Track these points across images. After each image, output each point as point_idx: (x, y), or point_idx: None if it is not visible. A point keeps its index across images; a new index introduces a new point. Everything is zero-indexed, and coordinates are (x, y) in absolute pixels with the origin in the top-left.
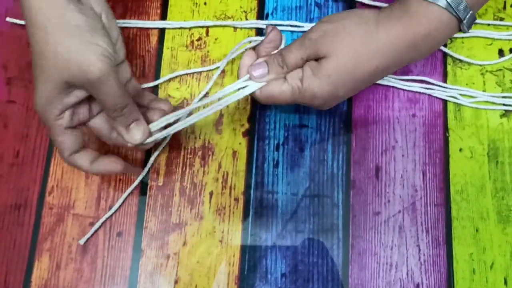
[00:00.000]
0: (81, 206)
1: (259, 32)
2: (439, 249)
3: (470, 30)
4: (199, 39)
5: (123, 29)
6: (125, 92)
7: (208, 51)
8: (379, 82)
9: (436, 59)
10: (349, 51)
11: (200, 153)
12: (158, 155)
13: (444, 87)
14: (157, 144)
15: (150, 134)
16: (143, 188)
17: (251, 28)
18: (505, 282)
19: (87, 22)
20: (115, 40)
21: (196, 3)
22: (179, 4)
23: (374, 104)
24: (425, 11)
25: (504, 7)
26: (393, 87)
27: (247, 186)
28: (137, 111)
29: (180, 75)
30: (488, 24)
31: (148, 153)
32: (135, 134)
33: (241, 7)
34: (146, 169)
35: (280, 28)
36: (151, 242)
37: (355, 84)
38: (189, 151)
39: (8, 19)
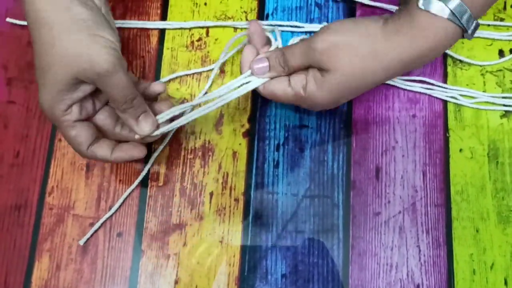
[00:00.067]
0: (81, 207)
1: None
2: (439, 249)
3: None
4: (199, 39)
5: (123, 29)
6: (133, 84)
7: (208, 52)
8: None
9: (436, 60)
10: (354, 68)
11: (200, 153)
12: (158, 156)
13: (444, 87)
14: (157, 144)
15: (158, 126)
16: (143, 188)
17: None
18: (505, 283)
19: (92, 16)
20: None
21: (196, 4)
22: (179, 5)
23: (374, 104)
24: (431, 24)
25: (504, 8)
26: (393, 87)
27: (247, 186)
28: (144, 102)
29: (180, 76)
30: (488, 25)
31: (148, 153)
32: (144, 126)
33: (241, 7)
34: (146, 169)
35: (280, 28)
36: (151, 242)
37: (358, 92)
38: (189, 151)
39: (8, 19)
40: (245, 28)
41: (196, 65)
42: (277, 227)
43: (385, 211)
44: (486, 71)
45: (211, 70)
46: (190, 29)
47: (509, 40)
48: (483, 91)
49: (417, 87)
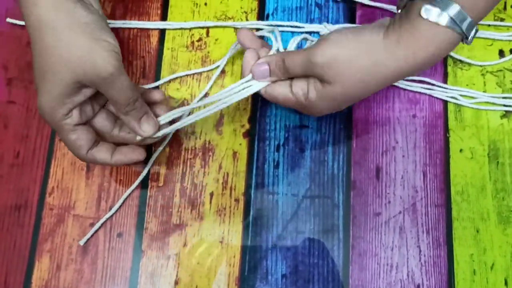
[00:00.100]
0: (81, 207)
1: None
2: (439, 250)
3: None
4: (200, 39)
5: (123, 29)
6: (135, 85)
7: (208, 52)
8: None
9: None
10: (355, 80)
11: (200, 153)
12: (159, 156)
13: (444, 87)
14: (157, 145)
15: (159, 127)
16: (143, 188)
17: (251, 29)
18: (506, 283)
19: (95, 19)
20: None
21: (197, 4)
22: (179, 5)
23: (374, 105)
24: (433, 34)
25: (505, 8)
26: (393, 87)
27: (248, 186)
28: (145, 104)
29: (181, 76)
30: (489, 25)
31: (149, 153)
32: (147, 127)
33: (241, 7)
34: (147, 169)
35: (280, 28)
36: (152, 243)
37: (359, 99)
38: (189, 151)
39: (8, 19)
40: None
41: (196, 65)
42: (277, 228)
43: (386, 211)
44: (487, 71)
45: (211, 70)
46: (190, 29)
47: (510, 40)
48: (484, 91)
49: (417, 87)
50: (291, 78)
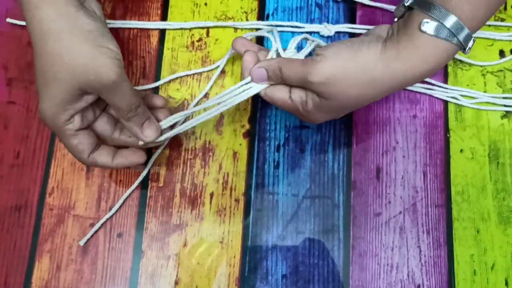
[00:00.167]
0: (81, 207)
1: (260, 37)
2: (440, 250)
3: None
4: (200, 40)
5: (123, 30)
6: (136, 91)
7: (208, 52)
8: None
9: None
10: (351, 97)
11: (200, 154)
12: (159, 156)
13: (445, 87)
14: (157, 146)
15: (161, 132)
16: (143, 189)
17: (251, 29)
18: (506, 283)
19: (97, 27)
20: None
21: (197, 4)
22: (179, 5)
23: (374, 105)
24: (433, 48)
25: (505, 8)
26: None
27: (248, 187)
28: (147, 109)
29: (181, 76)
30: (489, 25)
31: (149, 154)
32: (149, 132)
33: (241, 7)
34: (147, 170)
35: (280, 29)
36: (152, 243)
37: (357, 108)
38: (189, 152)
39: (8, 19)
40: (245, 29)
41: (197, 65)
42: (277, 228)
43: (386, 211)
44: (487, 72)
45: (211, 70)
46: (190, 29)
47: (510, 41)
48: (484, 92)
49: (417, 87)
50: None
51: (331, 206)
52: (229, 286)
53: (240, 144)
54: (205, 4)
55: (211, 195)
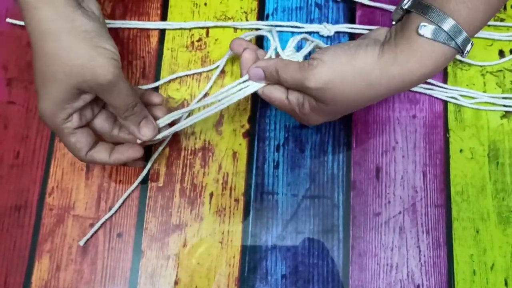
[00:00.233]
0: (81, 207)
1: (259, 37)
2: (439, 250)
3: None
4: (199, 40)
5: (123, 30)
6: (134, 91)
7: (208, 52)
8: None
9: None
10: (349, 101)
11: (200, 154)
12: (158, 156)
13: (444, 87)
14: (157, 145)
15: (159, 130)
16: (143, 189)
17: (251, 29)
18: (506, 283)
19: (95, 27)
20: None
21: (196, 4)
22: (179, 5)
23: (374, 105)
24: (430, 52)
25: (505, 8)
26: None
27: (248, 187)
28: (145, 108)
29: (180, 76)
30: (489, 25)
31: (149, 154)
32: (146, 131)
33: (241, 7)
34: (146, 170)
35: (280, 29)
36: (151, 243)
37: (353, 111)
38: (189, 152)
39: (8, 19)
40: (245, 29)
41: (196, 65)
42: (277, 228)
43: (385, 211)
44: (486, 72)
45: (211, 70)
46: (190, 29)
47: (510, 41)
48: (483, 92)
49: (417, 87)
50: None
51: (331, 206)
52: (228, 286)
53: (240, 144)
54: (205, 4)
55: (211, 195)
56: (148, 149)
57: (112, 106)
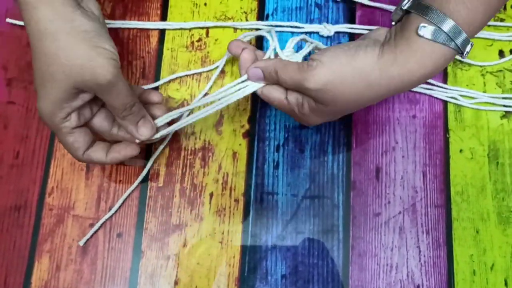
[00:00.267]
0: (81, 207)
1: (259, 37)
2: (439, 250)
3: None
4: (199, 40)
5: (123, 30)
6: (132, 91)
7: (208, 52)
8: None
9: None
10: (348, 102)
11: (200, 154)
12: (158, 156)
13: (444, 88)
14: (157, 145)
15: (157, 129)
16: (143, 189)
17: (251, 29)
18: (506, 284)
19: (94, 27)
20: None
21: (196, 4)
22: (179, 5)
23: (374, 105)
24: (430, 53)
25: (505, 8)
26: None
27: (247, 187)
28: (143, 108)
29: (180, 76)
30: (489, 25)
31: (148, 154)
32: (144, 131)
33: (241, 8)
34: (146, 170)
35: (280, 29)
36: (151, 243)
37: (352, 112)
38: (189, 152)
39: (8, 19)
40: (245, 29)
41: (196, 65)
42: (277, 228)
43: (385, 211)
44: (486, 72)
45: (211, 70)
46: (190, 29)
47: (509, 41)
48: (483, 92)
49: (417, 87)
50: None
51: (331, 206)
52: (228, 286)
53: (240, 144)
54: (205, 4)
55: (211, 195)
56: (148, 148)
57: (110, 106)
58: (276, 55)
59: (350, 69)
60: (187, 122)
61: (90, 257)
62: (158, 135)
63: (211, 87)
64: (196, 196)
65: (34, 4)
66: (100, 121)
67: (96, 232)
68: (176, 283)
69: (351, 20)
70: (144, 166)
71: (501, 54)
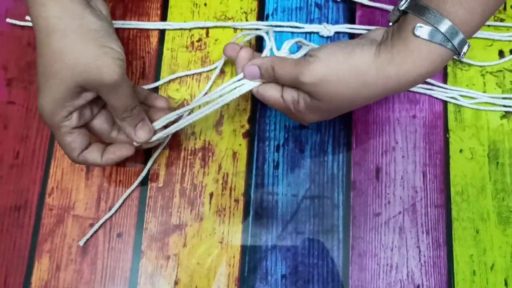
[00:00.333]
0: (81, 207)
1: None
2: (439, 250)
3: None
4: (199, 40)
5: (123, 30)
6: (135, 93)
7: (208, 52)
8: None
9: None
10: (343, 98)
11: (200, 154)
12: (158, 156)
13: (444, 88)
14: (157, 145)
15: (154, 132)
16: (143, 189)
17: (251, 29)
18: (506, 284)
19: (103, 26)
20: None
21: (196, 4)
22: (179, 5)
23: (374, 105)
24: (427, 53)
25: (505, 9)
26: None
27: (247, 187)
28: (143, 111)
29: (180, 76)
30: (489, 25)
31: (148, 154)
32: (142, 133)
33: (241, 8)
34: (146, 170)
35: (280, 29)
36: (151, 243)
37: (349, 110)
38: (189, 152)
39: (8, 19)
40: (245, 29)
41: (196, 65)
42: (277, 228)
43: (385, 211)
44: (486, 72)
45: (211, 70)
46: (190, 29)
47: (509, 41)
48: (483, 92)
49: (417, 87)
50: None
51: (331, 206)
52: (228, 286)
53: (240, 144)
54: (205, 4)
55: (211, 195)
56: (148, 149)
57: (112, 106)
58: (272, 55)
59: (346, 67)
60: (184, 124)
61: (90, 257)
62: (155, 138)
63: (210, 87)
64: (196, 196)
65: (42, 1)
66: (100, 123)
67: (96, 232)
68: (176, 283)
69: (351, 20)
70: (144, 167)
71: (501, 54)
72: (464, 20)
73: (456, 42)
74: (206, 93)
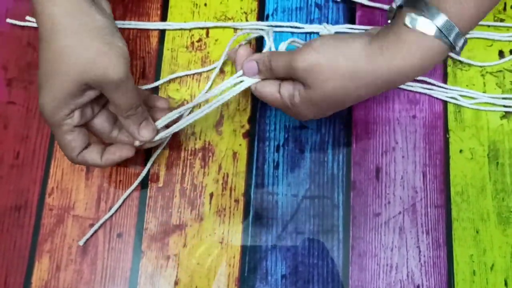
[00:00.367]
0: (81, 208)
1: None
2: (439, 250)
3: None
4: (199, 40)
5: (123, 30)
6: (139, 91)
7: (208, 52)
8: None
9: None
10: (335, 87)
11: (200, 154)
12: (158, 157)
13: (444, 88)
14: (157, 145)
15: (157, 132)
16: (143, 189)
17: (251, 29)
18: (506, 284)
19: (108, 24)
20: None
21: (196, 4)
22: (179, 5)
23: (374, 105)
24: (418, 43)
25: (504, 9)
26: None
27: (248, 187)
28: (146, 110)
29: (180, 76)
30: (489, 26)
31: (148, 154)
32: (145, 132)
33: (241, 8)
34: (146, 170)
35: (280, 29)
36: (151, 243)
37: (344, 106)
38: (189, 152)
39: (8, 19)
40: (245, 29)
41: (196, 65)
42: (277, 228)
43: (385, 211)
44: (486, 72)
45: (211, 70)
46: (190, 29)
47: (509, 41)
48: (483, 92)
49: (417, 88)
50: (281, 79)
51: (331, 206)
52: (228, 286)
53: (240, 145)
54: (205, 4)
55: (211, 195)
56: (148, 149)
57: (116, 104)
58: None
59: (338, 52)
60: (185, 123)
61: (90, 257)
62: (157, 137)
63: (210, 86)
64: (196, 197)
65: None
66: (101, 122)
67: (96, 232)
68: (176, 283)
69: (351, 21)
70: (144, 167)
71: (501, 54)
72: (459, 14)
73: (451, 36)
74: (206, 92)
